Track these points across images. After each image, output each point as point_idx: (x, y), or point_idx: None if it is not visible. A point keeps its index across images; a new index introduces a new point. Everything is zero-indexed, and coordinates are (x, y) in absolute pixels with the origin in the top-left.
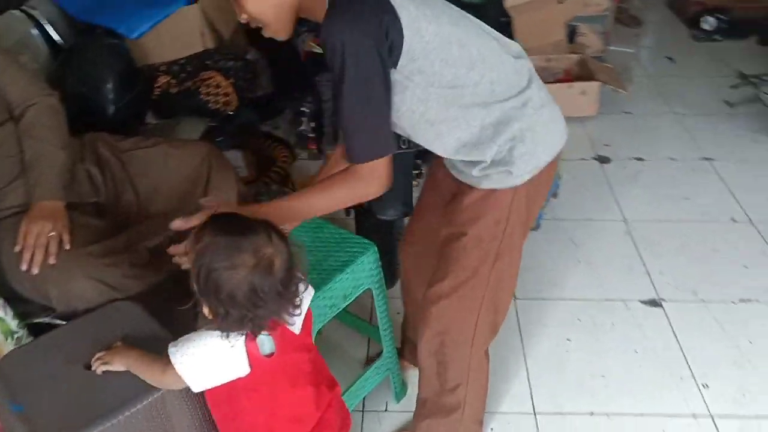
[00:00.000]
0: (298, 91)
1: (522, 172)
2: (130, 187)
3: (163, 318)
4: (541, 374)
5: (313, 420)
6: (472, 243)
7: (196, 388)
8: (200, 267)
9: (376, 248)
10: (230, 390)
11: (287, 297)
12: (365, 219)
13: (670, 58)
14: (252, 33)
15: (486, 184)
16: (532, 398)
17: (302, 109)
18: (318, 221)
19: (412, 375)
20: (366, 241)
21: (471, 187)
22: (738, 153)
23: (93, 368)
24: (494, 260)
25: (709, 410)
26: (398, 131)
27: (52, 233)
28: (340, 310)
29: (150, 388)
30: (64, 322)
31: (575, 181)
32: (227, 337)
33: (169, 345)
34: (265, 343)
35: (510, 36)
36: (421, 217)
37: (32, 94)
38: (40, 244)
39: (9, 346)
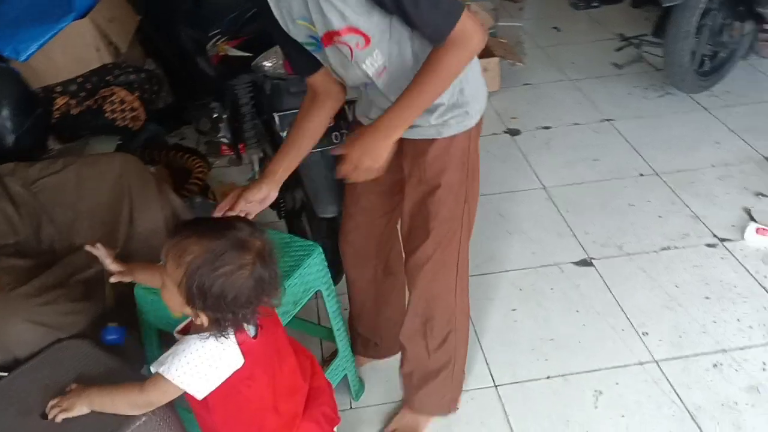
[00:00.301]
0: (204, 98)
1: (475, 111)
2: (47, 219)
3: (115, 348)
4: (495, 347)
5: (304, 390)
6: (445, 192)
7: (201, 395)
8: (199, 279)
9: (320, 248)
10: (227, 387)
11: (280, 279)
12: (297, 223)
13: (556, 28)
14: (148, 43)
15: (446, 132)
16: (490, 372)
17: (215, 116)
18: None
19: (368, 369)
20: (309, 242)
21: (429, 141)
22: (633, 110)
23: (50, 417)
24: (464, 202)
25: (652, 356)
26: (381, 85)
27: None
28: (291, 317)
29: (127, 420)
30: (5, 374)
31: (491, 156)
32: (220, 337)
33: (152, 365)
34: (250, 327)
35: None
36: (357, 205)
37: None
38: None
39: None
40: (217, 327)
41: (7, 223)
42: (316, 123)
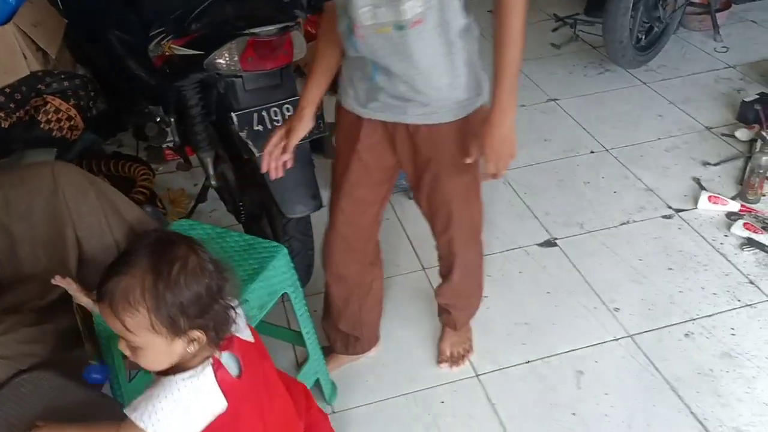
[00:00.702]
0: (142, 103)
1: (484, 91)
2: None
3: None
4: (472, 336)
5: (299, 427)
6: (467, 167)
7: None
8: (166, 298)
9: (286, 250)
10: (214, 431)
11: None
12: (256, 226)
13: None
14: (76, 48)
15: (461, 113)
16: (470, 361)
17: (158, 120)
18: (218, 230)
19: (347, 368)
20: (274, 243)
21: (439, 126)
22: (576, 89)
23: None
24: (476, 167)
25: (626, 330)
26: (407, 41)
27: None
28: (257, 322)
29: None
30: None
31: None
32: (197, 375)
33: (126, 410)
34: (231, 364)
35: None
36: (350, 198)
37: None
38: None
39: None
40: (217, 333)
41: None
42: (335, 55)
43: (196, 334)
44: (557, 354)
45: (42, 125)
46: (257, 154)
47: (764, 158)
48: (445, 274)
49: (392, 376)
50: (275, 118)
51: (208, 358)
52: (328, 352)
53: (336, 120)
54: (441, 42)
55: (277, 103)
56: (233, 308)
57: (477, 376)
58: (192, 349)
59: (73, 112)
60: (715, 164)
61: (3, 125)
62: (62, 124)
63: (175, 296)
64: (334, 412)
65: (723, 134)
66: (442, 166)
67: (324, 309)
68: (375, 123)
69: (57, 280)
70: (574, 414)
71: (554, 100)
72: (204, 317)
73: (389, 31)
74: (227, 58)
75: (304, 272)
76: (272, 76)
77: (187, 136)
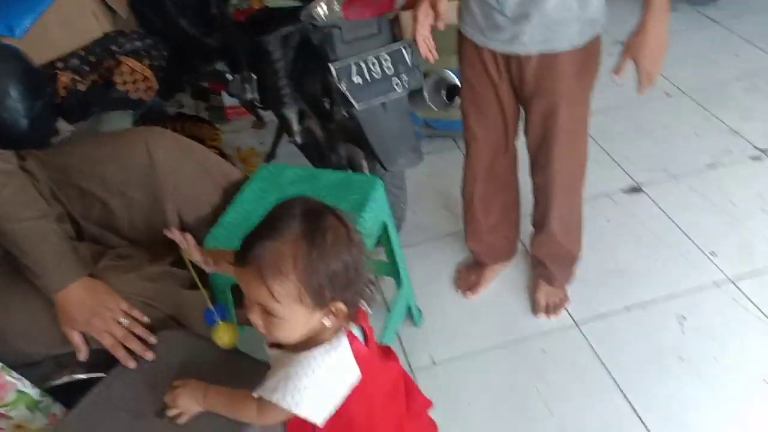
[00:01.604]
0: (212, 61)
1: (603, 19)
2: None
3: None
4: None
5: (402, 387)
6: (581, 99)
7: (322, 421)
8: (317, 266)
9: (381, 180)
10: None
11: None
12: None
13: None
14: (136, 8)
15: (583, 37)
16: (568, 312)
17: (240, 76)
18: (310, 171)
19: (445, 321)
20: (368, 175)
21: (563, 54)
22: None
23: (171, 419)
24: (588, 103)
25: (726, 275)
26: None
27: (120, 320)
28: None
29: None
30: (84, 376)
31: None
32: (334, 347)
33: (263, 392)
34: (359, 334)
35: None
36: (485, 142)
37: None
38: (122, 336)
39: (39, 418)
40: (355, 309)
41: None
42: None
43: (339, 306)
44: (656, 300)
45: (118, 86)
46: (357, 107)
47: None
48: (540, 223)
49: (489, 325)
50: (374, 69)
51: (340, 329)
52: (473, 271)
53: (458, 48)
54: None
55: (374, 53)
56: (373, 282)
57: (576, 324)
58: (328, 322)
59: (148, 72)
60: None
61: (80, 88)
62: (138, 84)
63: (327, 266)
64: (435, 364)
65: None
66: (556, 98)
67: (467, 225)
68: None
69: (172, 233)
70: (681, 359)
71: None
72: (348, 289)
73: None
74: (326, 8)
75: (397, 226)
76: (370, 26)
77: (269, 92)
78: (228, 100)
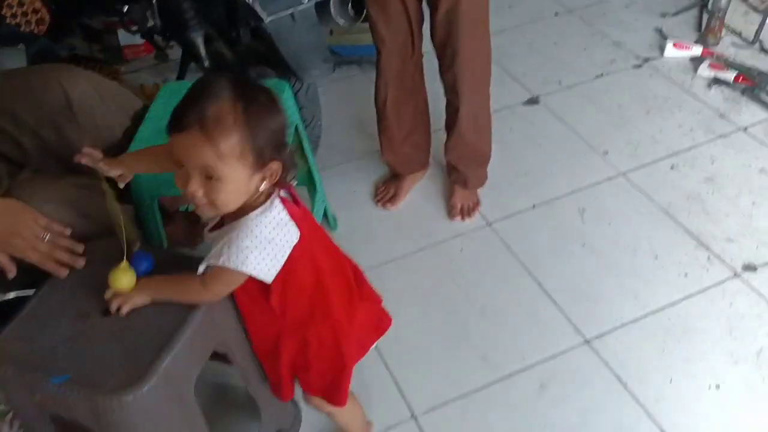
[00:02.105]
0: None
1: None
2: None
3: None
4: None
5: (346, 266)
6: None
7: (270, 278)
8: (263, 126)
9: (288, 84)
10: (284, 268)
11: None
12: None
13: None
14: None
15: None
16: (481, 213)
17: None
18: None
19: (368, 230)
20: (276, 80)
21: None
22: None
23: (113, 310)
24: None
25: (617, 170)
26: None
27: (45, 235)
28: None
29: (189, 312)
30: (13, 295)
31: None
32: (270, 208)
33: (209, 261)
34: (289, 199)
35: None
36: (393, 45)
37: None
38: (47, 250)
39: None
40: (288, 174)
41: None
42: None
43: (275, 166)
44: (559, 197)
45: (8, 20)
46: (267, 19)
47: (723, 1)
48: (451, 124)
49: (409, 232)
50: None
51: (271, 194)
52: (390, 184)
53: None
54: None
55: None
56: (293, 152)
57: (489, 224)
58: (264, 186)
59: (38, 4)
60: (674, 14)
61: None
62: (29, 17)
63: (266, 123)
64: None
65: None
66: None
67: (382, 137)
68: None
69: (80, 157)
70: (583, 245)
71: None
72: (283, 150)
73: None
74: None
75: (314, 144)
76: None
77: (172, 17)
78: (124, 39)
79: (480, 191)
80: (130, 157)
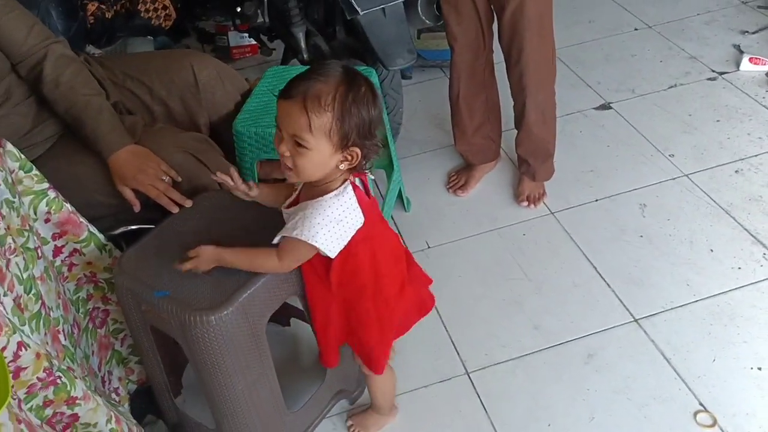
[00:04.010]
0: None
1: None
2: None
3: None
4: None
5: (403, 255)
6: None
7: (334, 254)
8: (354, 111)
9: (375, 71)
10: (346, 249)
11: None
12: None
13: None
14: None
15: None
16: (544, 203)
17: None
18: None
19: (437, 212)
20: (365, 66)
21: None
22: None
23: (180, 267)
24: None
25: (682, 171)
26: None
27: (164, 178)
28: None
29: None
30: (136, 227)
31: None
32: (343, 192)
33: (283, 234)
34: (359, 184)
35: None
36: (465, 42)
37: (37, 44)
38: (164, 188)
39: (105, 258)
40: (365, 161)
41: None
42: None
43: (355, 152)
44: (621, 193)
45: (142, 14)
46: (361, 12)
47: None
48: (519, 118)
49: (476, 217)
50: None
51: (346, 180)
52: (462, 173)
53: None
54: None
55: None
56: (380, 146)
57: (552, 213)
58: (344, 166)
59: (167, 1)
60: (753, 32)
61: (106, 16)
62: (159, 12)
63: (358, 111)
64: (429, 247)
65: (759, 6)
66: None
67: (455, 128)
68: None
69: (218, 177)
70: (641, 236)
71: None
72: (367, 140)
73: None
74: None
75: (395, 130)
76: None
77: (279, 15)
78: (233, 41)
79: (546, 184)
80: (261, 186)
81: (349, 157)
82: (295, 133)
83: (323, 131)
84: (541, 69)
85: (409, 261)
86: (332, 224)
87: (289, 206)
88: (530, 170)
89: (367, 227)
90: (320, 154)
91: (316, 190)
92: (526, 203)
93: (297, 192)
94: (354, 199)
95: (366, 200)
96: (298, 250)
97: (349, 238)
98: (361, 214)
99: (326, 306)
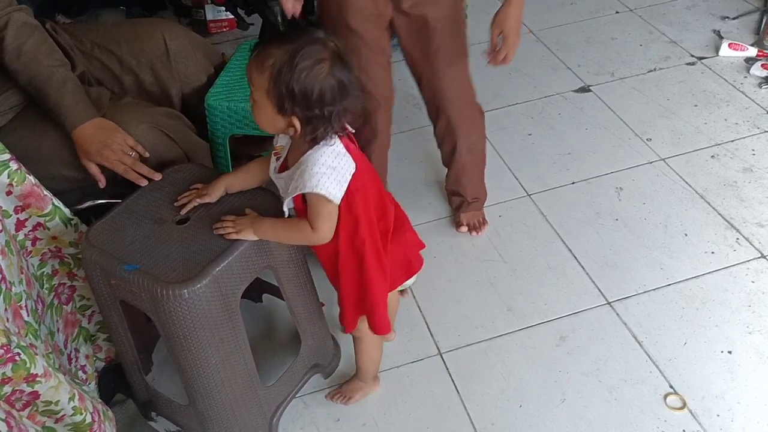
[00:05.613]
0: None
1: None
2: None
3: None
4: (520, 165)
5: (392, 213)
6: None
7: (338, 200)
8: (284, 77)
9: None
10: (345, 199)
11: (358, 92)
12: None
13: None
14: None
15: None
16: (520, 183)
17: None
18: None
19: None
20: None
21: None
22: None
23: (220, 233)
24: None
25: (659, 155)
26: None
27: (131, 153)
28: None
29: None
30: (104, 201)
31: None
32: (329, 142)
33: (293, 193)
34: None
35: None
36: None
37: None
38: (131, 162)
39: (71, 233)
40: (312, 130)
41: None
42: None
43: (295, 121)
44: (598, 176)
45: None
46: None
47: None
48: (449, 155)
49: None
50: None
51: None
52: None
53: None
54: None
55: None
56: (344, 128)
57: (529, 195)
58: (290, 132)
59: None
60: (734, 18)
61: None
62: None
63: (289, 82)
64: None
65: None
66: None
67: None
68: None
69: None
70: (616, 219)
71: None
72: (308, 111)
73: None
74: None
75: None
76: None
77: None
78: (210, 15)
79: (521, 167)
80: (227, 177)
81: (292, 126)
82: (250, 84)
83: (263, 90)
84: (469, 102)
85: (403, 221)
86: (329, 171)
87: (279, 171)
88: (464, 202)
89: (360, 174)
90: (264, 111)
91: (302, 149)
92: (467, 230)
93: (282, 158)
94: (341, 145)
95: (354, 148)
96: (322, 212)
97: (347, 183)
98: (352, 160)
99: (334, 257)
